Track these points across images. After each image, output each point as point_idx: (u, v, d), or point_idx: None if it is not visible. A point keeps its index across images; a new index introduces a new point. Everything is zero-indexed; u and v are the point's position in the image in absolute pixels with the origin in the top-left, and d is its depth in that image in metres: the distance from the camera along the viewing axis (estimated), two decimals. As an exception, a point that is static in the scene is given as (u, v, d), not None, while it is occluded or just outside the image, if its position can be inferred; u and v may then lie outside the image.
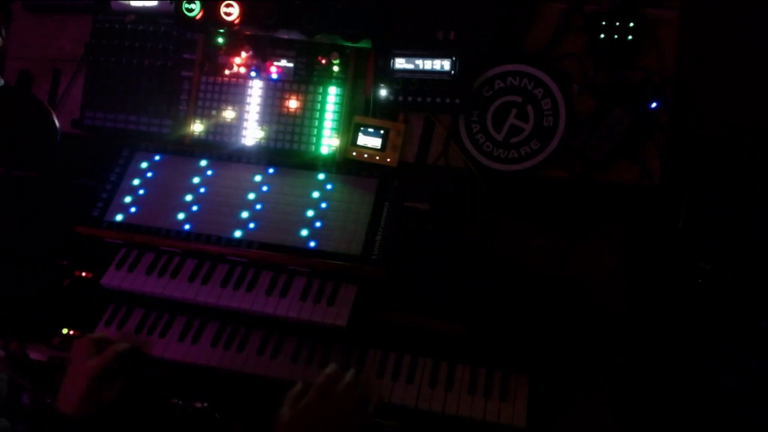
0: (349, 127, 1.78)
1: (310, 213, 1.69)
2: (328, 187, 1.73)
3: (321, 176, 1.75)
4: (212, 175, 1.80)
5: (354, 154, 1.77)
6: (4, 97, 1.83)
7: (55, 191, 1.92)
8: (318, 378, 1.43)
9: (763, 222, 1.81)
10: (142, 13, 1.91)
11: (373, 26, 1.68)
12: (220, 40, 1.84)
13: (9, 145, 1.79)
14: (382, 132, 1.75)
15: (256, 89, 1.82)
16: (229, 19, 1.72)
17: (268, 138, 1.81)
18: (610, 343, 1.56)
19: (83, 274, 1.74)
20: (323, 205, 1.70)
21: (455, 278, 1.61)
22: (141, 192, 1.78)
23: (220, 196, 1.75)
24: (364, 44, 1.73)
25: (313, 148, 1.79)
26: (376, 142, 1.75)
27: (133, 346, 1.56)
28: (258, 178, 1.77)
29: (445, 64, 1.67)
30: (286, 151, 1.80)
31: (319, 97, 1.79)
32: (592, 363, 1.54)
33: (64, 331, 1.68)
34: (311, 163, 1.78)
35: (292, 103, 1.80)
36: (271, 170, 1.78)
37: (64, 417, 1.41)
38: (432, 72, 1.69)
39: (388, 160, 1.74)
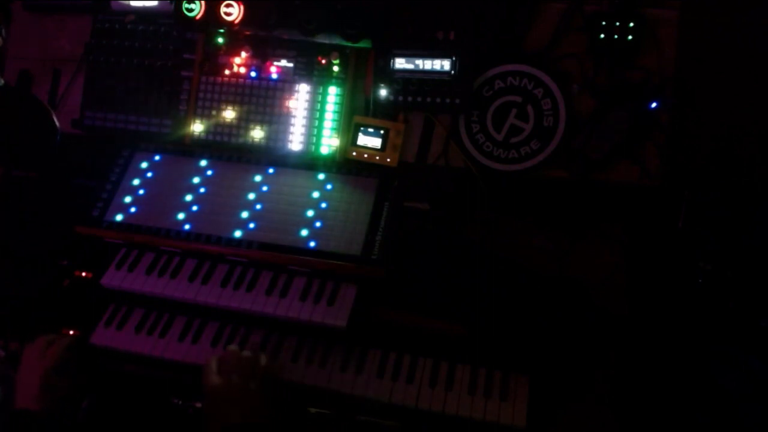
0: (349, 127, 1.78)
1: (310, 213, 1.69)
2: (328, 187, 1.73)
3: (321, 176, 1.75)
4: (212, 175, 1.80)
5: (354, 154, 1.77)
6: (4, 97, 1.83)
7: (55, 191, 1.92)
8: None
9: (763, 222, 1.80)
10: (142, 13, 1.91)
11: (373, 26, 1.68)
12: (220, 40, 1.84)
13: (9, 145, 1.79)
14: (382, 132, 1.75)
15: (255, 89, 1.82)
16: (229, 19, 1.72)
17: (268, 138, 1.81)
18: (610, 343, 1.56)
19: (83, 274, 1.73)
20: (323, 205, 1.70)
21: (455, 278, 1.61)
22: (141, 192, 1.78)
23: (220, 196, 1.75)
24: (364, 44, 1.73)
25: (313, 148, 1.79)
26: (376, 142, 1.75)
27: (76, 338, 1.63)
28: (258, 178, 1.77)
29: (445, 64, 1.67)
30: (286, 151, 1.80)
31: (319, 97, 1.79)
32: (592, 363, 1.54)
33: (64, 331, 1.68)
34: (311, 163, 1.78)
35: (292, 103, 1.80)
36: (271, 170, 1.78)
37: (24, 413, 1.46)
38: (432, 72, 1.69)
39: (388, 160, 1.74)
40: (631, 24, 1.61)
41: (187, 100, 1.87)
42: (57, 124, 1.81)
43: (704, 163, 2.04)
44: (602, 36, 1.62)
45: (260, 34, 1.76)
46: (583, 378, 1.53)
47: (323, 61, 1.79)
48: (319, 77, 1.80)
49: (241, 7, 1.71)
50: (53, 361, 1.55)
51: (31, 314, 1.71)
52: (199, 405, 1.60)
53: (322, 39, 1.74)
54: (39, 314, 1.71)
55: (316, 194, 1.72)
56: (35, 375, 1.52)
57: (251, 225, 1.69)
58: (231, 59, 1.84)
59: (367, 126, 1.76)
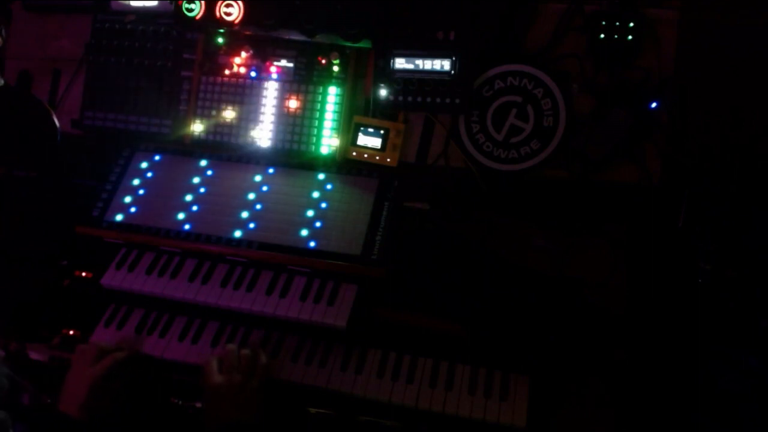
0: (349, 127, 1.78)
1: (310, 213, 1.69)
2: (328, 187, 1.73)
3: (321, 176, 1.75)
4: (212, 175, 1.80)
5: (354, 154, 1.77)
6: (4, 97, 1.83)
7: (55, 191, 1.92)
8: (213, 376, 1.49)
9: (764, 222, 1.80)
10: (142, 13, 1.91)
11: (373, 26, 1.68)
12: (220, 40, 1.84)
13: (9, 145, 1.79)
14: (382, 132, 1.75)
15: (255, 89, 1.82)
16: (229, 19, 1.72)
17: (268, 138, 1.81)
18: (610, 343, 1.56)
19: (83, 274, 1.73)
20: (323, 205, 1.70)
21: (455, 278, 1.61)
22: (141, 192, 1.78)
23: (220, 196, 1.75)
24: (364, 44, 1.73)
25: (313, 148, 1.79)
26: (376, 142, 1.75)
27: (134, 354, 1.58)
28: (258, 178, 1.77)
29: (445, 64, 1.67)
30: (286, 151, 1.80)
31: (319, 97, 1.79)
32: (592, 363, 1.54)
33: (64, 331, 1.68)
34: (311, 163, 1.78)
35: (292, 103, 1.80)
36: (271, 170, 1.78)
37: (67, 418, 1.42)
38: (432, 72, 1.69)
39: (388, 160, 1.74)
40: (631, 24, 1.61)
41: (187, 100, 1.87)
42: (57, 124, 1.81)
43: (704, 163, 2.04)
44: (602, 36, 1.62)
45: (260, 34, 1.76)
46: (583, 378, 1.53)
47: (323, 61, 1.79)
48: (319, 77, 1.80)
49: (241, 7, 1.71)
50: (104, 372, 1.49)
51: (32, 314, 1.71)
52: (199, 405, 1.60)
53: (322, 39, 1.74)
54: (39, 314, 1.71)
55: (316, 194, 1.72)
56: (85, 382, 1.47)
57: (251, 225, 1.69)
58: (231, 59, 1.84)
59: (367, 126, 1.76)
